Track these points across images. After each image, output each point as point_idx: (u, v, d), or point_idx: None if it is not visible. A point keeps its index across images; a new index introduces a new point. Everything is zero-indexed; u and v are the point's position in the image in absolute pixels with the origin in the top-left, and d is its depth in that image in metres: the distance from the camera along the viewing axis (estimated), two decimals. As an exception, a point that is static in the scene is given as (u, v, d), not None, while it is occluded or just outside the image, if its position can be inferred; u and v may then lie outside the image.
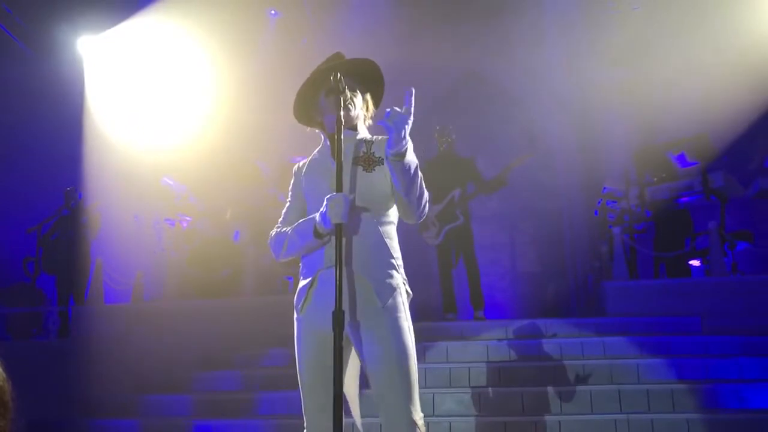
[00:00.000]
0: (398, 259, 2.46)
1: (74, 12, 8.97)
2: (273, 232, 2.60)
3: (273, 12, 10.40)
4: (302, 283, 2.50)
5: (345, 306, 2.24)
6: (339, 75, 2.35)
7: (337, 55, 2.63)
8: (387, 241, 2.43)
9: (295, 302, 2.50)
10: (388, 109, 2.25)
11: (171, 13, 8.85)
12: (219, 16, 9.19)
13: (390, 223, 2.49)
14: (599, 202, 8.80)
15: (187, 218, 8.71)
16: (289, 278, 8.31)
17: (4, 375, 1.46)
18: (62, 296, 8.34)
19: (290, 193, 2.66)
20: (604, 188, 8.79)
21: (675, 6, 8.68)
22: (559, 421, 4.69)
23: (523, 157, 7.31)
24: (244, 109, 9.44)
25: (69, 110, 9.21)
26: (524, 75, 10.01)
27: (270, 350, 6.27)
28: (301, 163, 2.68)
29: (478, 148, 8.64)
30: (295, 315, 2.49)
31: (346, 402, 2.32)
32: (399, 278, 2.43)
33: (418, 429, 2.30)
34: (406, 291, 2.45)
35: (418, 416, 2.31)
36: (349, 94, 2.44)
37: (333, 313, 2.12)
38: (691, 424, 4.54)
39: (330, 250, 2.36)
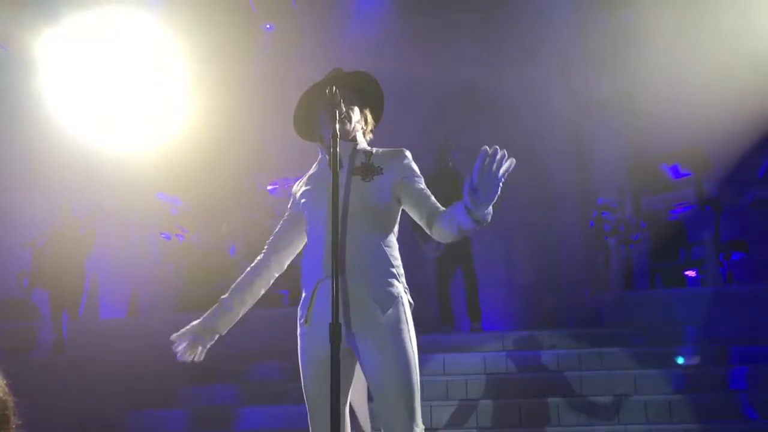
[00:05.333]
0: (398, 268, 2.43)
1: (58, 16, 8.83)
2: (260, 258, 2.69)
3: (268, 26, 10.45)
4: (303, 294, 2.49)
5: (345, 317, 2.24)
6: (334, 88, 2.34)
7: (336, 70, 2.65)
8: (386, 249, 2.41)
9: (298, 314, 2.49)
10: (476, 166, 2.13)
11: (166, 28, 8.87)
12: (214, 32, 9.22)
13: (389, 232, 2.47)
14: (594, 214, 8.84)
15: (184, 231, 8.69)
16: (284, 291, 8.29)
17: (6, 389, 1.48)
18: (55, 311, 8.30)
19: (288, 208, 2.70)
20: (599, 200, 8.83)
21: (668, 18, 8.74)
22: (557, 433, 4.70)
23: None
24: (240, 123, 9.46)
25: (58, 124, 9.18)
26: (519, 87, 10.06)
27: (266, 364, 6.25)
28: (299, 182, 2.69)
29: (472, 159, 8.64)
30: (299, 329, 2.48)
31: (354, 416, 2.31)
32: (400, 287, 2.40)
33: None
34: (408, 301, 2.43)
35: (419, 429, 2.30)
36: (344, 107, 2.42)
37: (330, 325, 2.08)
38: (688, 434, 4.55)
39: (327, 259, 2.34)
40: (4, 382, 1.50)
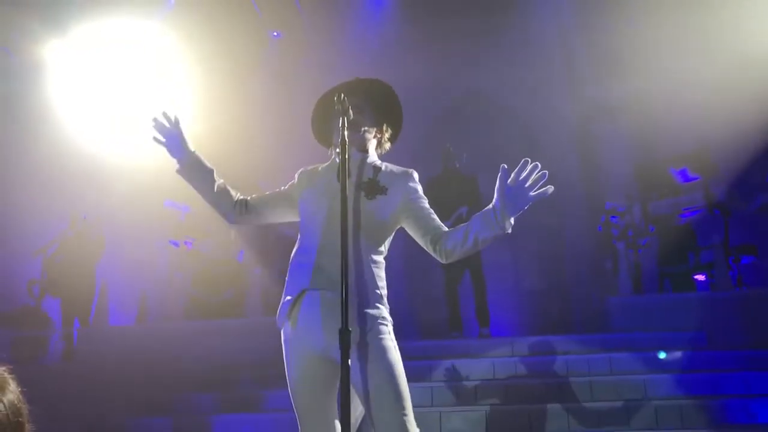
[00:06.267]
0: (383, 289, 2.42)
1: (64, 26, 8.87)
2: (241, 197, 2.68)
3: (275, 33, 10.49)
4: (285, 298, 2.45)
5: (328, 331, 2.20)
6: (342, 96, 2.32)
7: (356, 80, 2.63)
8: (375, 270, 2.40)
9: (277, 317, 2.46)
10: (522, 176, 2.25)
11: (172, 35, 8.91)
12: (221, 40, 9.26)
13: (380, 252, 2.46)
14: (602, 218, 8.81)
15: (192, 238, 8.72)
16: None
17: (20, 396, 1.49)
18: (66, 319, 8.33)
19: (284, 186, 2.68)
20: (607, 204, 8.81)
21: (674, 21, 8.72)
22: (567, 439, 4.67)
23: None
24: (248, 129, 9.48)
25: (66, 131, 9.22)
26: (525, 91, 10.06)
27: (273, 371, 6.24)
28: (308, 168, 2.66)
29: (479, 164, 8.65)
30: (282, 335, 2.45)
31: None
32: (383, 309, 2.38)
33: None
34: (389, 319, 2.41)
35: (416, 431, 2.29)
36: (353, 115, 2.38)
37: (339, 331, 2.08)
38: (699, 440, 4.52)
39: (318, 272, 2.35)
40: (19, 389, 1.51)
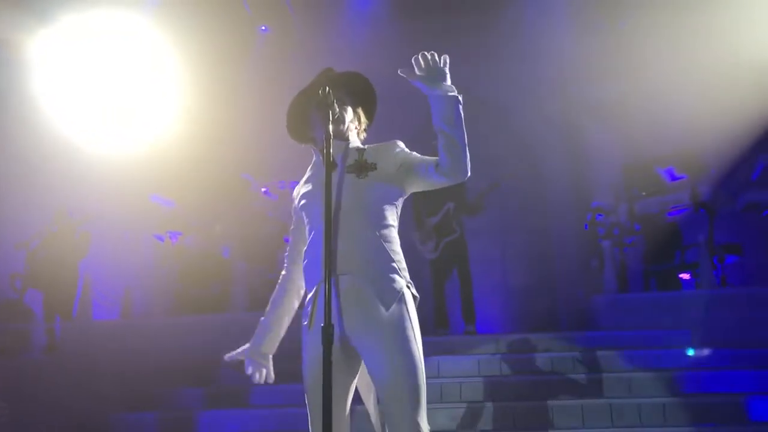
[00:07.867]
0: (400, 262, 2.41)
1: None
2: (283, 272, 2.68)
3: (263, 28, 10.44)
4: (308, 295, 2.47)
5: (347, 318, 2.23)
6: (327, 89, 2.33)
7: (328, 70, 2.66)
8: (386, 245, 2.38)
9: (302, 315, 2.48)
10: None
11: (159, 28, 8.84)
12: (209, 33, 9.19)
13: (388, 226, 2.43)
14: (588, 217, 8.84)
15: (177, 233, 8.67)
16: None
17: None
18: (48, 313, 8.25)
19: (293, 215, 2.68)
20: (594, 202, 8.84)
21: (663, 22, 8.76)
22: (551, 436, 4.69)
23: (493, 185, 7.23)
24: (234, 125, 9.43)
25: (51, 125, 9.14)
26: (514, 90, 10.07)
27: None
28: (297, 186, 2.68)
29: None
30: (302, 333, 2.45)
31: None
32: (401, 282, 2.36)
33: None
34: (412, 294, 2.40)
35: (426, 429, 2.30)
36: (337, 108, 2.41)
37: (322, 328, 2.06)
38: (683, 437, 4.55)
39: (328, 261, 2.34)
40: None
